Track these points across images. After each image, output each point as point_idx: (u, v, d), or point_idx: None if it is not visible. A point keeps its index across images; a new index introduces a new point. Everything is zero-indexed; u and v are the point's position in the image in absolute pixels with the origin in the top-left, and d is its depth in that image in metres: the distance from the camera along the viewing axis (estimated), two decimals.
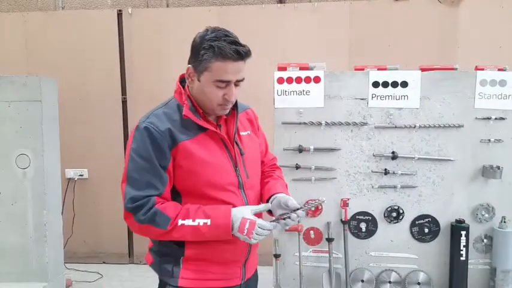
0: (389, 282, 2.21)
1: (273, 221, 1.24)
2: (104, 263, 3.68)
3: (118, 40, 3.49)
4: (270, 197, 1.36)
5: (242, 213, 1.19)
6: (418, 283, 2.19)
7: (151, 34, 3.46)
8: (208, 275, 1.29)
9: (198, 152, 1.22)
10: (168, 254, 1.29)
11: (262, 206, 1.27)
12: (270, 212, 1.33)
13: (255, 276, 1.49)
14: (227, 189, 1.26)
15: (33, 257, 2.35)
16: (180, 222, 1.16)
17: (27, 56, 3.57)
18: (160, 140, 1.17)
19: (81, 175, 3.65)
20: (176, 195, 1.26)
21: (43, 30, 3.55)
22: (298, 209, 1.24)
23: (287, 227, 1.26)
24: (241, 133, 1.37)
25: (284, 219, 1.23)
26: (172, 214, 1.17)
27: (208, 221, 1.16)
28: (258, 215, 1.24)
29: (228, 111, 1.28)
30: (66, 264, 3.53)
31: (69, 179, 3.64)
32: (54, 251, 2.46)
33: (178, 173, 1.22)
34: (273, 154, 1.64)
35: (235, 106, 1.33)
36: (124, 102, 3.57)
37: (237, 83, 1.20)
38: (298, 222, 2.19)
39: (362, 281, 2.23)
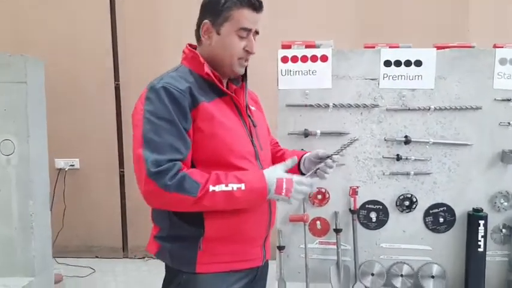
0: (401, 275, 2.07)
1: (309, 175, 1.24)
2: (97, 257, 3.52)
3: (110, 20, 3.29)
4: (300, 159, 1.37)
5: (275, 173, 1.13)
6: (432, 276, 2.05)
7: (146, 15, 3.28)
8: (228, 257, 1.18)
9: (218, 115, 1.14)
10: (182, 238, 1.16)
11: (290, 161, 1.20)
12: (301, 172, 1.37)
13: (267, 264, 1.39)
14: (246, 157, 1.19)
15: (18, 249, 2.18)
16: (211, 188, 1.05)
17: (13, 35, 3.36)
18: (182, 99, 1.09)
19: (72, 165, 3.49)
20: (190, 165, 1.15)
21: (31, 9, 3.35)
22: (332, 155, 1.29)
23: (326, 176, 1.32)
24: (250, 106, 1.32)
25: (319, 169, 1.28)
26: (201, 180, 1.06)
27: (242, 186, 1.07)
28: (290, 171, 1.21)
29: (244, 68, 1.25)
30: (56, 258, 3.37)
31: (60, 169, 3.47)
32: (41, 244, 2.29)
33: (198, 138, 1.12)
34: (274, 137, 1.61)
35: (245, 76, 1.29)
36: (117, 88, 3.39)
37: (254, 35, 1.20)
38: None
39: (372, 274, 2.08)
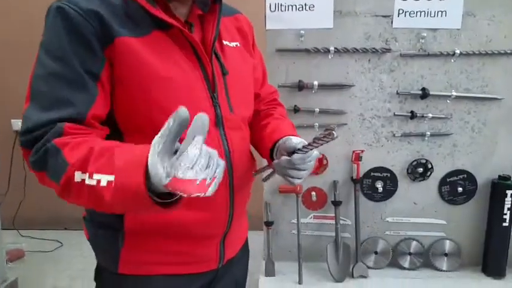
0: (410, 253, 1.77)
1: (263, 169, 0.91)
2: (66, 229, 3.18)
3: None
4: (273, 145, 0.95)
5: (169, 149, 0.60)
6: (445, 254, 1.76)
7: None
8: (164, 257, 0.86)
9: (150, 58, 0.76)
10: (103, 225, 0.87)
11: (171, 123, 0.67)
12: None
13: (244, 253, 1.05)
14: None
15: None
16: (77, 175, 0.65)
17: None
18: (83, 26, 0.71)
19: None
20: (116, 134, 0.80)
21: None
22: (294, 152, 0.85)
23: (296, 181, 0.88)
24: (225, 42, 0.93)
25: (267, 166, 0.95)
26: (75, 156, 0.65)
27: (112, 178, 0.62)
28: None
29: None
30: (20, 231, 3.03)
31: (17, 131, 3.03)
32: None
33: (119, 93, 0.77)
34: (273, 86, 1.19)
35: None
36: None
37: None
38: None
39: (375, 252, 1.78)
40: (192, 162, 0.56)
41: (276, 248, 1.80)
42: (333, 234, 1.74)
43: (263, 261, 1.80)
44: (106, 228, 0.86)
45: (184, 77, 0.80)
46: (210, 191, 0.57)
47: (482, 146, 1.69)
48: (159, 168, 0.55)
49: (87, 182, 0.63)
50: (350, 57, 1.63)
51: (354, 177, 1.71)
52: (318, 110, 1.66)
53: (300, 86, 1.63)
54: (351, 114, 1.69)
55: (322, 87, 1.64)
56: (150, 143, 0.66)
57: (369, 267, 1.76)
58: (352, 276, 1.72)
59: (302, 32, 1.61)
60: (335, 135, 0.73)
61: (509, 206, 1.64)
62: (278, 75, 1.65)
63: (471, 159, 1.70)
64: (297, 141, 0.87)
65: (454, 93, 1.63)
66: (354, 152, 1.69)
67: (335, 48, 1.61)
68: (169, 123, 0.56)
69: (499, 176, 1.67)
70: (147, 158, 0.58)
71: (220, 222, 0.88)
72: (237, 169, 0.88)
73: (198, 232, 0.86)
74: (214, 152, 0.60)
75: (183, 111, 0.56)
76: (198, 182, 0.56)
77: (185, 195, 0.57)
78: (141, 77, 0.75)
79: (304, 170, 0.85)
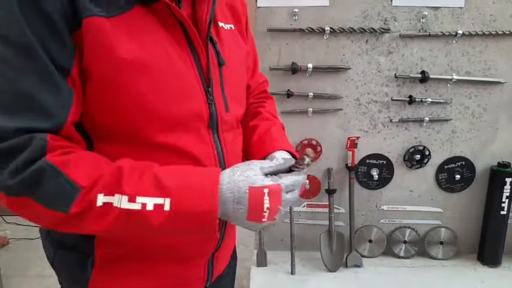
0: (405, 242, 1.72)
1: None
2: None
3: None
4: (264, 157, 0.82)
5: (247, 177, 0.61)
6: (441, 242, 1.72)
7: None
8: (145, 282, 0.72)
9: (126, 42, 0.59)
10: (65, 246, 0.72)
11: (282, 162, 0.69)
12: None
13: (232, 262, 0.94)
14: (187, 126, 0.67)
15: None
16: (100, 198, 0.56)
17: None
18: (48, 3, 0.53)
19: None
20: (85, 138, 0.64)
21: None
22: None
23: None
24: (220, 23, 0.76)
25: None
26: (84, 177, 0.56)
27: (166, 202, 0.57)
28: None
29: None
30: (5, 217, 2.94)
31: None
32: None
33: (88, 90, 0.61)
34: (263, 75, 1.06)
35: None
36: None
37: None
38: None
39: (370, 241, 1.73)
40: (293, 186, 0.63)
41: (268, 237, 1.74)
42: (327, 223, 1.68)
43: (255, 251, 1.74)
44: (69, 249, 0.71)
45: (172, 66, 0.63)
46: (274, 221, 0.62)
47: (482, 132, 1.63)
48: (262, 176, 0.62)
49: (124, 206, 0.56)
50: (346, 38, 1.53)
51: (349, 164, 1.64)
52: (312, 94, 1.57)
53: (293, 69, 1.53)
54: (346, 99, 1.60)
55: (317, 70, 1.55)
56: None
57: (363, 256, 1.71)
58: (346, 266, 1.67)
59: (295, 10, 1.50)
60: (306, 161, 0.66)
61: (508, 194, 1.59)
62: (270, 57, 1.55)
63: (470, 145, 1.64)
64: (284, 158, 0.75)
65: (455, 77, 1.55)
66: (349, 138, 1.61)
67: (331, 28, 1.50)
68: (279, 161, 0.68)
69: (499, 163, 1.61)
70: (218, 178, 0.60)
71: (212, 238, 0.75)
72: None
73: (188, 252, 0.73)
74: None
75: (292, 160, 0.68)
76: (281, 207, 0.60)
77: (247, 214, 0.60)
78: (116, 67, 0.58)
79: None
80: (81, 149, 0.61)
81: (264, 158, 0.80)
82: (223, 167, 0.71)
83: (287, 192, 0.63)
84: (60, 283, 0.79)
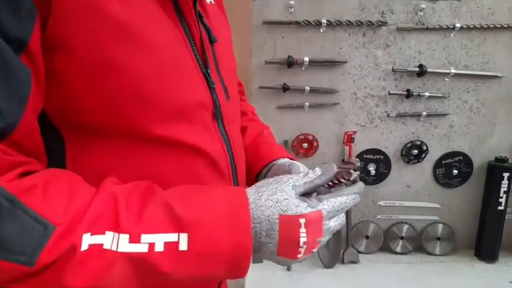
0: (402, 237, 1.71)
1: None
2: None
3: None
4: (265, 166, 0.69)
5: (277, 202, 0.46)
6: (438, 238, 1.71)
7: None
8: None
9: (121, 6, 0.45)
10: None
11: (319, 174, 0.50)
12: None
13: None
14: (191, 116, 0.53)
15: None
16: (87, 239, 0.39)
17: None
18: None
19: None
20: (49, 133, 0.46)
21: None
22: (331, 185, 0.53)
23: None
24: None
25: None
26: (57, 209, 0.39)
27: (183, 239, 0.42)
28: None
29: None
30: None
31: None
32: None
33: (63, 68, 0.44)
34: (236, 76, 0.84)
35: None
36: None
37: None
38: None
39: (367, 237, 1.72)
40: (338, 211, 0.47)
41: None
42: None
43: None
44: None
45: (168, 43, 0.51)
46: (310, 254, 0.47)
47: (480, 127, 1.61)
48: (296, 197, 0.46)
49: (123, 248, 0.40)
50: (343, 31, 1.51)
51: (346, 159, 1.62)
52: (309, 88, 1.54)
53: (290, 63, 1.51)
54: (343, 93, 1.58)
55: (313, 63, 1.52)
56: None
57: (359, 252, 1.70)
58: (343, 262, 1.65)
59: (291, 2, 1.47)
60: (353, 176, 0.50)
61: (505, 189, 1.58)
62: (265, 51, 1.52)
63: (468, 140, 1.63)
64: (304, 169, 0.61)
65: (453, 71, 1.53)
66: (346, 133, 1.59)
67: (327, 20, 1.48)
68: (317, 173, 0.48)
69: (496, 158, 1.60)
70: (248, 202, 0.45)
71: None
72: (241, 176, 0.63)
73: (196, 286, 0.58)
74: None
75: (333, 168, 0.48)
76: (321, 239, 0.45)
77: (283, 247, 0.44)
78: (109, 37, 0.45)
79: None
80: (42, 166, 0.45)
81: (263, 168, 0.68)
82: (233, 165, 0.60)
83: (330, 219, 0.47)
84: None
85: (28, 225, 0.37)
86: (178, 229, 0.42)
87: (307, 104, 1.57)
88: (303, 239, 0.45)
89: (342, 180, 0.50)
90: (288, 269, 1.61)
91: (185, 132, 0.52)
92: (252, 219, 0.45)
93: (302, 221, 0.45)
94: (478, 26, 1.49)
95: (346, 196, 0.48)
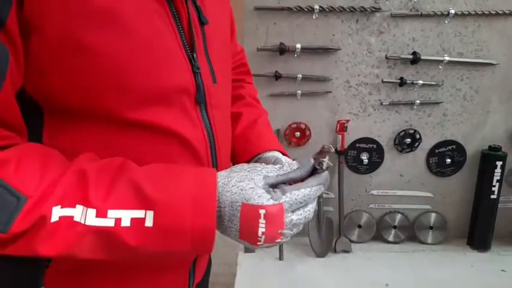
0: (394, 227, 1.70)
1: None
2: None
3: None
4: (251, 158, 0.68)
5: (242, 190, 0.47)
6: (430, 227, 1.70)
7: None
8: None
9: None
10: (8, 259, 0.47)
11: (295, 168, 0.50)
12: None
13: (208, 269, 0.79)
14: (169, 101, 0.52)
15: None
16: (57, 211, 0.42)
17: None
18: None
19: None
20: (29, 112, 0.47)
21: None
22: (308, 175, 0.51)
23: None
24: None
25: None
26: (30, 182, 0.42)
27: (149, 216, 0.44)
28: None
29: None
30: None
31: None
32: None
33: (34, 46, 0.44)
34: (239, 44, 0.87)
35: None
36: None
37: None
38: None
39: (359, 226, 1.71)
40: (302, 203, 0.48)
41: None
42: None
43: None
44: (6, 260, 0.46)
45: (150, 24, 0.49)
46: (275, 244, 0.48)
47: (473, 116, 1.60)
48: (261, 190, 0.47)
49: (90, 222, 0.42)
50: (336, 18, 1.48)
51: (338, 148, 1.61)
52: (301, 76, 1.52)
53: (282, 50, 1.48)
54: (336, 81, 1.56)
55: (306, 50, 1.50)
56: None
57: (352, 241, 1.69)
58: (335, 251, 1.65)
59: None
60: (325, 165, 0.50)
61: (498, 177, 1.57)
62: (257, 37, 1.50)
63: (461, 129, 1.61)
64: (290, 160, 0.59)
65: (447, 58, 1.51)
66: (338, 121, 1.58)
67: (320, 7, 1.45)
68: (292, 167, 0.50)
69: (489, 146, 1.59)
70: (216, 184, 0.46)
71: None
72: (222, 163, 0.62)
73: (167, 262, 0.60)
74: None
75: (310, 163, 0.49)
76: (284, 231, 0.46)
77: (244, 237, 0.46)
78: (82, 19, 0.44)
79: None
80: (23, 141, 0.46)
81: (250, 161, 0.66)
82: (214, 150, 0.59)
83: (293, 211, 0.48)
84: None
85: (3, 196, 0.40)
86: (145, 206, 0.44)
87: (299, 92, 1.55)
88: (261, 229, 0.46)
89: (318, 168, 0.49)
90: (280, 258, 1.61)
91: (162, 117, 0.51)
92: (218, 202, 0.46)
93: (262, 212, 0.45)
94: (473, 13, 1.47)
95: (310, 188, 0.48)
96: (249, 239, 0.47)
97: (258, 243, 0.47)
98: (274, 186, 0.49)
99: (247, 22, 1.48)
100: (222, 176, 0.49)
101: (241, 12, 1.48)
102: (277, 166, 0.51)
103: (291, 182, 0.50)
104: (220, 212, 0.47)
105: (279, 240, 0.48)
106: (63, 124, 0.48)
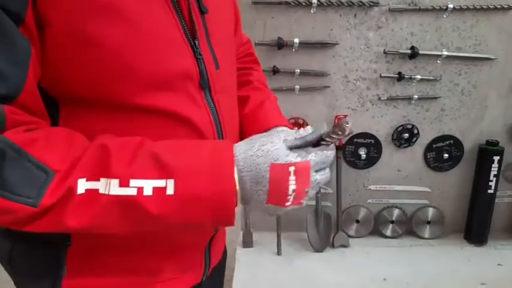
0: (392, 221, 1.71)
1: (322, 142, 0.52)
2: None
3: None
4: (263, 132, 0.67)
5: (267, 152, 0.49)
6: (428, 222, 1.71)
7: None
8: (132, 278, 0.59)
9: None
10: (26, 238, 0.55)
11: (310, 132, 0.53)
12: None
13: (224, 256, 0.81)
14: (174, 86, 0.54)
15: None
16: (83, 184, 0.44)
17: None
18: None
19: None
20: (46, 103, 0.51)
21: None
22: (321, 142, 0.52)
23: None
24: None
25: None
26: (57, 158, 0.45)
27: (170, 185, 0.45)
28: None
29: None
30: None
31: None
32: None
33: (52, 43, 0.47)
34: (246, 35, 0.89)
35: None
36: None
37: None
38: None
39: (357, 221, 1.71)
40: (323, 164, 0.51)
41: (255, 218, 1.71)
42: (314, 203, 1.65)
43: (241, 232, 1.71)
44: (32, 243, 0.55)
45: (151, 13, 0.51)
46: (301, 205, 0.51)
47: (471, 110, 1.60)
48: (286, 148, 0.50)
49: (114, 191, 0.44)
50: (334, 12, 1.48)
51: (336, 143, 1.60)
52: (299, 71, 1.52)
53: (279, 44, 1.48)
54: (334, 75, 1.55)
55: (304, 45, 1.49)
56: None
57: (349, 236, 1.70)
58: (333, 246, 1.65)
59: None
60: (348, 131, 0.50)
61: (495, 172, 1.58)
62: (255, 32, 1.49)
63: (459, 124, 1.62)
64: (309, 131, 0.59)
65: (445, 53, 1.51)
66: (336, 116, 1.58)
67: (318, 1, 1.44)
68: (308, 131, 0.53)
69: (487, 141, 1.59)
70: (233, 152, 0.49)
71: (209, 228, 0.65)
72: None
73: (184, 242, 0.61)
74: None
75: (324, 127, 0.52)
76: (309, 189, 0.50)
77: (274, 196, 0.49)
78: (86, 13, 0.47)
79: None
80: (47, 125, 0.50)
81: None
82: (221, 134, 0.61)
83: (316, 171, 0.51)
84: (18, 287, 0.62)
85: (32, 172, 0.43)
86: (166, 175, 0.45)
87: (297, 87, 1.54)
88: (292, 187, 0.48)
89: (334, 136, 0.51)
90: (278, 253, 1.61)
91: (168, 101, 0.54)
92: (240, 168, 0.48)
93: (291, 169, 0.48)
94: (471, 7, 1.47)
95: (332, 150, 0.52)
96: (277, 200, 0.49)
97: (287, 203, 0.49)
98: (291, 149, 0.51)
99: (244, 16, 1.45)
100: (242, 144, 0.51)
101: (239, 6, 1.47)
102: (292, 131, 0.54)
103: (306, 147, 0.52)
104: (246, 178, 0.48)
105: (303, 200, 0.50)
106: (76, 112, 0.51)
